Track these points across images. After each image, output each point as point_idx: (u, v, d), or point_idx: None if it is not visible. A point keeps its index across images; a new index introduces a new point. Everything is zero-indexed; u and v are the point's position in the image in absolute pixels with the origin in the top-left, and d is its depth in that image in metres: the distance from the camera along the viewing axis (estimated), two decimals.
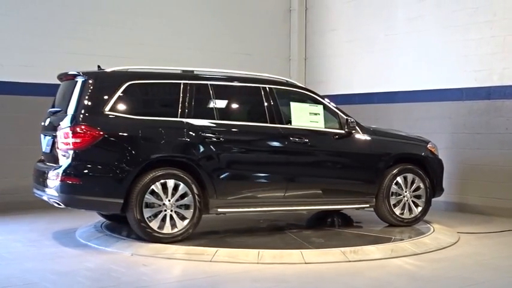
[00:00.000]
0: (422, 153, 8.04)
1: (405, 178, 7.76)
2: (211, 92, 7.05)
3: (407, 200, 7.79)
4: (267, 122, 7.22)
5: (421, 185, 7.85)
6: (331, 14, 11.82)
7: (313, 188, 7.45)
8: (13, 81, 9.11)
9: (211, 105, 7.05)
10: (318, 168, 7.51)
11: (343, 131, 7.56)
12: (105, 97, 6.56)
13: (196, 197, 6.65)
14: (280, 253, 6.33)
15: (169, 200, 6.56)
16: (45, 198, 6.76)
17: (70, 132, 6.38)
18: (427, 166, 7.98)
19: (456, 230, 7.85)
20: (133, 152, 6.52)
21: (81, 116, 6.44)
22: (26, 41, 9.21)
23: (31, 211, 8.71)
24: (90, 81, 6.60)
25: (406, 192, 7.78)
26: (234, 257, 6.24)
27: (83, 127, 6.37)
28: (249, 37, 11.57)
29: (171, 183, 6.56)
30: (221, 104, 7.21)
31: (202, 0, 11.10)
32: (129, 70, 6.99)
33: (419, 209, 7.85)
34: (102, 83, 6.69)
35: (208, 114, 6.97)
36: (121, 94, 6.62)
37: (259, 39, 11.73)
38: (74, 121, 6.42)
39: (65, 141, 6.43)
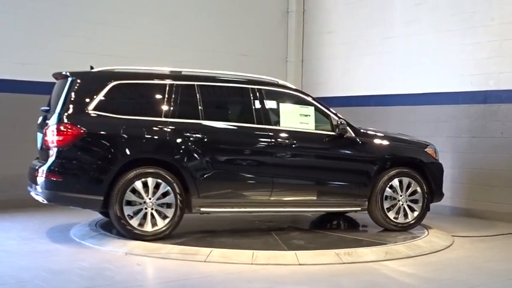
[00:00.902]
0: (419, 157, 7.86)
1: (400, 182, 7.64)
2: (197, 92, 7.06)
3: (402, 204, 7.66)
4: (253, 123, 7.20)
5: (418, 189, 7.70)
6: (329, 16, 11.84)
7: (300, 190, 7.40)
8: (10, 79, 9.10)
9: (197, 105, 7.04)
10: (305, 170, 7.42)
11: (334, 133, 7.49)
12: (90, 97, 6.70)
13: (178, 196, 6.72)
14: (275, 254, 6.34)
15: (150, 199, 6.65)
16: (33, 194, 6.91)
17: (54, 130, 6.54)
18: (424, 170, 7.81)
19: (451, 233, 7.86)
20: (113, 151, 6.65)
21: (65, 114, 6.59)
22: (24, 39, 9.19)
23: (25, 209, 8.70)
24: (76, 81, 6.74)
25: (401, 196, 7.66)
26: (228, 257, 6.25)
27: (65, 125, 6.53)
28: (247, 38, 11.58)
29: (152, 182, 6.64)
30: (207, 104, 7.15)
31: (200, 1, 11.11)
32: (115, 70, 7.07)
33: (416, 213, 7.71)
34: (87, 83, 6.84)
35: (193, 114, 6.99)
36: (105, 94, 6.74)
37: (257, 41, 11.74)
38: (59, 119, 6.57)
39: (50, 139, 6.59)
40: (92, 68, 7.18)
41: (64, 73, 6.94)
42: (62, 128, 6.53)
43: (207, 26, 11.08)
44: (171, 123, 6.84)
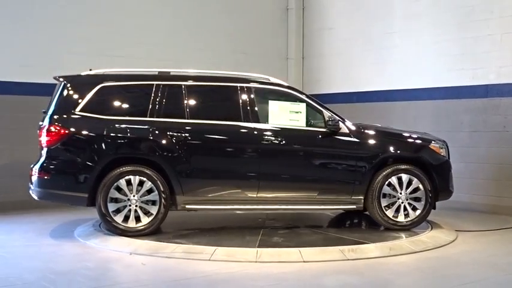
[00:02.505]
0: (420, 153, 7.58)
1: (400, 179, 7.39)
2: (184, 92, 7.19)
3: (402, 203, 7.40)
4: (240, 121, 7.22)
5: (420, 187, 7.41)
6: (328, 13, 11.83)
7: (288, 188, 7.35)
8: (10, 81, 9.09)
9: (183, 105, 7.16)
10: (293, 167, 7.35)
11: (325, 130, 7.34)
12: (78, 99, 7.04)
13: (162, 193, 6.90)
14: (279, 251, 6.35)
15: (134, 196, 6.86)
16: (31, 192, 7.17)
17: (44, 131, 6.92)
18: (427, 166, 7.53)
19: (454, 228, 7.87)
20: (97, 150, 6.94)
21: (55, 116, 6.95)
22: (23, 41, 9.19)
23: (29, 210, 8.71)
24: (67, 85, 7.11)
25: (401, 194, 7.40)
26: (232, 255, 6.26)
27: (53, 126, 6.90)
28: (247, 36, 11.57)
29: (135, 179, 6.87)
30: (193, 103, 7.25)
31: (201, 0, 11.09)
32: (104, 73, 7.32)
33: (418, 212, 7.42)
34: (76, 85, 7.14)
35: (179, 114, 7.12)
36: (93, 96, 7.04)
37: (257, 38, 11.73)
38: (48, 121, 6.94)
39: (42, 139, 6.96)
40: (90, 70, 7.37)
41: (56, 77, 7.25)
42: (50, 129, 6.89)
43: (207, 25, 11.07)
44: (154, 123, 7.02)
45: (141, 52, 10.10)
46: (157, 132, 6.99)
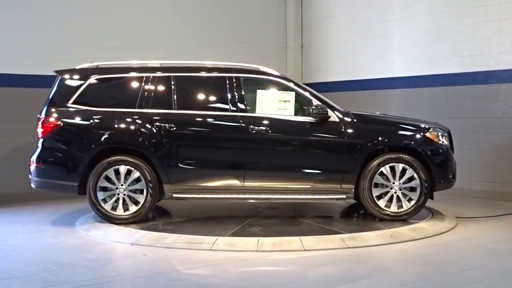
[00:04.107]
0: (413, 141, 7.36)
1: (392, 168, 7.22)
2: (172, 83, 7.33)
3: (395, 192, 7.24)
4: (227, 111, 7.27)
5: (415, 176, 7.23)
6: (327, 1, 11.79)
7: (275, 177, 7.30)
8: (9, 73, 9.09)
9: (171, 96, 7.29)
10: (279, 156, 7.30)
11: (313, 119, 7.25)
12: (71, 92, 7.31)
13: (149, 182, 7.09)
14: (280, 240, 6.36)
15: (122, 185, 7.09)
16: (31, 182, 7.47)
17: (40, 123, 7.25)
18: (423, 155, 7.31)
19: (454, 214, 7.89)
20: (86, 141, 7.20)
21: (49, 108, 7.25)
22: (22, 33, 9.17)
23: (30, 203, 8.74)
24: (62, 78, 7.41)
25: (393, 183, 7.25)
26: (234, 245, 6.28)
27: (46, 119, 7.20)
28: (246, 25, 11.54)
29: (123, 169, 7.11)
30: (182, 94, 7.34)
31: None
32: (97, 66, 7.52)
33: (413, 202, 7.26)
34: (70, 79, 7.41)
35: (167, 104, 7.26)
36: (85, 88, 7.31)
37: (256, 28, 11.70)
38: (44, 113, 7.26)
39: (38, 130, 7.29)
40: (92, 63, 7.56)
41: (54, 71, 7.53)
42: (44, 120, 7.21)
43: (206, 15, 11.04)
44: (142, 114, 7.19)
45: (141, 43, 10.09)
46: (143, 123, 7.16)
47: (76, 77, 7.40)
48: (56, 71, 7.48)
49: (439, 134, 7.53)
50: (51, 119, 7.18)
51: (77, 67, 7.52)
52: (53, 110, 7.22)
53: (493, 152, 9.30)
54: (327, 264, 5.76)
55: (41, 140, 7.24)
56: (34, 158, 7.25)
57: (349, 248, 6.28)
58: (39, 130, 7.23)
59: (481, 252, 6.20)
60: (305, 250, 6.18)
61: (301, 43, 12.22)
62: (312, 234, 6.63)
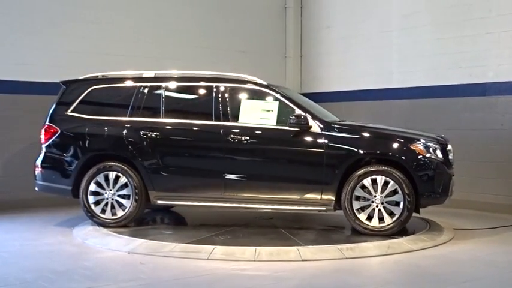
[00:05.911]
0: (395, 153, 7.04)
1: (374, 181, 6.97)
2: (162, 92, 7.60)
3: (377, 206, 6.99)
4: (211, 120, 7.41)
5: (398, 190, 6.95)
6: (326, 12, 11.83)
7: (254, 187, 7.29)
8: (9, 80, 9.09)
9: (159, 105, 7.56)
10: (258, 166, 7.33)
11: (293, 129, 7.16)
12: (72, 101, 7.76)
13: (135, 188, 7.37)
14: (277, 250, 6.35)
15: (110, 190, 7.42)
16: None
17: (42, 130, 7.74)
18: (406, 168, 6.96)
19: (452, 226, 7.88)
20: (78, 147, 7.63)
21: (51, 116, 7.75)
22: (22, 39, 9.18)
23: (27, 209, 8.72)
24: (65, 88, 7.88)
25: (375, 196, 6.99)
26: (231, 254, 6.26)
27: (48, 125, 7.71)
28: (245, 34, 11.57)
29: (111, 175, 7.44)
30: (169, 103, 7.62)
31: None
32: (97, 76, 7.90)
33: (395, 217, 6.95)
34: (71, 88, 7.86)
35: (155, 113, 7.56)
36: (84, 98, 7.74)
37: (255, 37, 11.73)
38: (46, 120, 7.75)
39: (41, 136, 7.77)
40: (99, 74, 7.97)
41: (60, 82, 7.99)
42: (46, 127, 7.72)
43: (206, 24, 11.07)
44: (130, 122, 7.52)
45: (141, 51, 10.11)
46: (131, 131, 7.48)
47: (78, 86, 7.82)
48: (61, 82, 7.89)
49: (428, 146, 7.13)
50: (52, 126, 7.65)
51: (81, 77, 7.89)
52: (54, 117, 7.70)
53: (490, 163, 9.30)
54: (323, 275, 5.74)
55: (43, 146, 7.70)
56: (37, 162, 7.72)
57: (346, 258, 6.26)
58: (42, 136, 7.70)
59: (479, 264, 6.19)
60: (302, 260, 6.16)
61: (300, 53, 12.25)
62: (310, 244, 6.62)
